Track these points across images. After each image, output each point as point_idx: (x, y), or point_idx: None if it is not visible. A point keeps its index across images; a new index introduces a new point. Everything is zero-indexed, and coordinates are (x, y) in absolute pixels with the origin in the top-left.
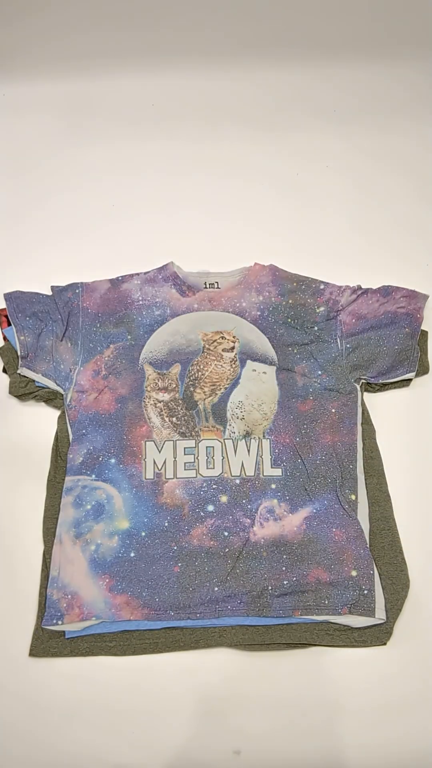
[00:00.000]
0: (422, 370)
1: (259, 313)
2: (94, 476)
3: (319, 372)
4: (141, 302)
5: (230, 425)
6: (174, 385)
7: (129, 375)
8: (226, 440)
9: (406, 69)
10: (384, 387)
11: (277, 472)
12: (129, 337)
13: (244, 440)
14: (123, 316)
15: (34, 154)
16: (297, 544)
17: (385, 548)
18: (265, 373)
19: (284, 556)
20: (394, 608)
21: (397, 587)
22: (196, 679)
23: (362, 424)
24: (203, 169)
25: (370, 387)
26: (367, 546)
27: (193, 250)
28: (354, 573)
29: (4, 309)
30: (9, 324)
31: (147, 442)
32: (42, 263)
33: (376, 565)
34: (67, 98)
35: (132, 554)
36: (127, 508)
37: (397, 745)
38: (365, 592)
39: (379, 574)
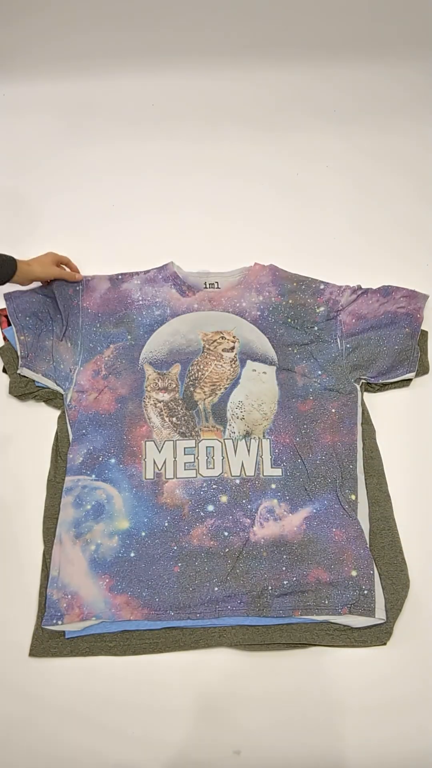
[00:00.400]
0: (422, 370)
1: (259, 313)
2: (94, 476)
3: (319, 372)
4: (141, 302)
5: (230, 425)
6: (174, 385)
7: (129, 375)
8: (226, 440)
9: (406, 69)
10: (384, 387)
11: (277, 472)
12: (129, 337)
13: (244, 440)
14: (123, 316)
15: (34, 154)
16: (297, 544)
17: (385, 548)
18: (265, 373)
19: (284, 556)
20: (394, 608)
21: (397, 587)
22: (196, 679)
23: (362, 424)
24: (203, 169)
25: (370, 387)
26: (367, 546)
27: (194, 251)
28: (354, 573)
29: (4, 309)
30: (9, 324)
31: (147, 442)
32: None
33: (376, 565)
34: (67, 98)
35: (132, 554)
36: (127, 508)
37: (397, 745)
38: (365, 592)
39: (379, 574)
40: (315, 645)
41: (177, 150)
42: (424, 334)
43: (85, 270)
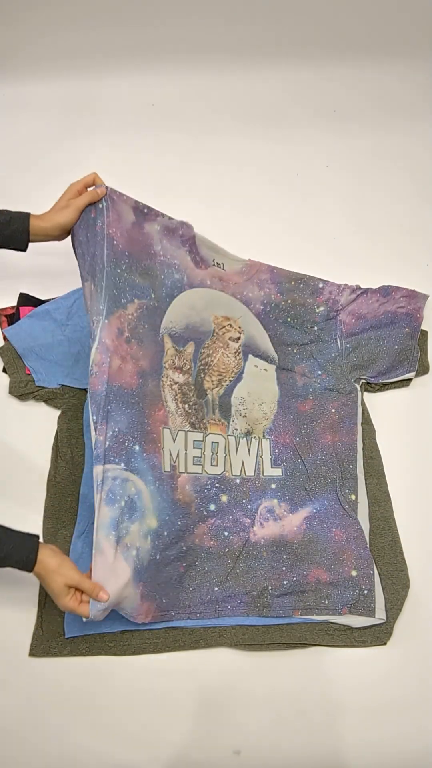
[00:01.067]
0: (422, 370)
1: (262, 307)
2: (123, 465)
3: (319, 372)
4: (162, 258)
5: (233, 421)
6: (188, 366)
7: (151, 345)
8: (229, 437)
9: (407, 68)
10: (384, 387)
11: (277, 472)
12: (153, 296)
13: (245, 438)
14: (148, 267)
15: (34, 154)
16: (297, 544)
17: (385, 548)
18: (266, 370)
19: (284, 556)
20: (394, 608)
21: (397, 587)
22: (196, 679)
23: (362, 424)
24: (203, 168)
25: (370, 387)
26: (367, 546)
27: None
28: (354, 573)
29: (4, 309)
30: (9, 324)
31: (164, 429)
32: (42, 263)
33: (376, 565)
34: (67, 97)
35: (158, 556)
36: (154, 504)
37: (397, 745)
38: (365, 592)
39: (379, 574)
40: (315, 645)
41: (176, 149)
42: (424, 334)
43: None
